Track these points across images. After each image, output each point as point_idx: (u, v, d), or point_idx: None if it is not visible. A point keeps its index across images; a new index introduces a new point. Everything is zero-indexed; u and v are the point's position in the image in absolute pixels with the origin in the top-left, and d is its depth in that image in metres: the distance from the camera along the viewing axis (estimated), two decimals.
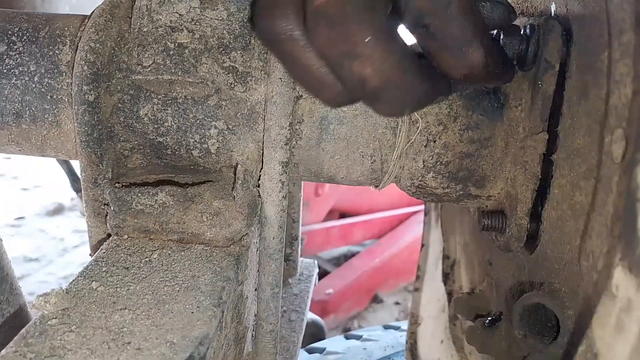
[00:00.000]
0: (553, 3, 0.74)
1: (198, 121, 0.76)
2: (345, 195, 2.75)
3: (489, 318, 0.84)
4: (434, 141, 0.74)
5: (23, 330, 0.54)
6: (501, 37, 0.70)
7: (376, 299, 2.80)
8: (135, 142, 0.78)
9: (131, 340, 0.53)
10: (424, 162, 0.75)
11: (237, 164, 0.77)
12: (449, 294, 1.15)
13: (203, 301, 0.61)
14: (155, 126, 0.76)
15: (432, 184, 0.77)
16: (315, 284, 1.23)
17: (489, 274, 0.93)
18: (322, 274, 2.61)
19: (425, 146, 0.74)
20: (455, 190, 0.78)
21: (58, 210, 4.03)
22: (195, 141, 0.77)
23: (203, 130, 0.76)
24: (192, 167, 0.80)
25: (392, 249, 2.72)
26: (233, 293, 0.68)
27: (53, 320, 0.55)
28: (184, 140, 0.77)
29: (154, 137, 0.77)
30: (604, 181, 0.54)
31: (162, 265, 0.68)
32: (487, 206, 0.79)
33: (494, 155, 0.74)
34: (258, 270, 0.81)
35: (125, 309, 0.58)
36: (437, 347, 1.13)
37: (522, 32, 0.69)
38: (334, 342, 1.55)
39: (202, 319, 0.58)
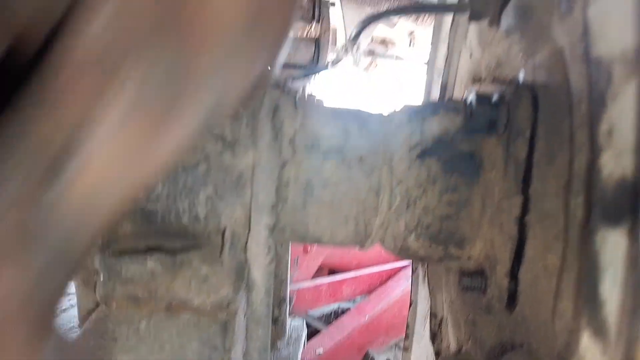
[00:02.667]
0: (521, 72, 0.79)
1: (187, 187, 0.78)
2: (333, 252, 2.75)
3: None
4: (415, 204, 0.77)
5: None
6: (474, 105, 0.75)
7: (367, 357, 2.74)
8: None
9: None
10: (405, 224, 0.78)
11: (225, 229, 0.79)
12: (437, 353, 1.15)
13: None
14: (146, 194, 0.78)
15: (415, 245, 0.80)
16: (304, 346, 1.22)
17: (474, 333, 0.94)
18: (313, 333, 2.57)
19: (407, 209, 0.77)
20: (437, 252, 0.80)
21: None
22: (185, 207, 0.79)
23: (192, 196, 0.78)
24: (181, 232, 0.82)
25: (381, 305, 2.70)
26: (219, 339, 0.68)
27: None
28: (174, 206, 0.79)
29: (145, 204, 0.79)
30: (570, 244, 0.57)
31: (150, 335, 0.69)
32: (468, 266, 0.82)
33: (472, 217, 0.77)
34: (245, 336, 0.82)
35: None
36: None
37: (493, 100, 0.74)
38: None
39: None
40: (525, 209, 0.71)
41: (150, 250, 0.77)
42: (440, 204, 0.77)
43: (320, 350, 2.39)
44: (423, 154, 0.77)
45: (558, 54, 0.66)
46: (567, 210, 0.60)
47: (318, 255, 2.64)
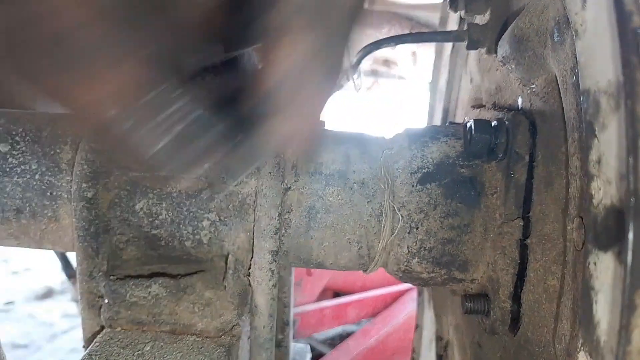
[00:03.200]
0: (520, 98, 0.81)
1: (191, 214, 0.79)
2: (337, 274, 2.74)
3: None
4: (417, 228, 0.78)
5: None
6: (473, 131, 0.76)
7: None
8: (131, 235, 0.81)
9: None
10: (408, 248, 0.79)
11: (228, 254, 0.80)
12: None
13: None
14: (150, 219, 0.80)
15: (418, 268, 0.80)
16: None
17: (479, 355, 0.94)
18: (317, 356, 2.54)
19: (409, 233, 0.78)
20: (440, 275, 0.81)
21: (48, 294, 3.96)
22: (189, 232, 0.80)
23: (196, 222, 0.79)
24: (184, 257, 0.83)
25: (387, 328, 2.67)
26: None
27: None
28: (177, 232, 0.80)
29: (149, 229, 0.80)
30: (568, 267, 0.58)
31: (154, 358, 0.69)
32: (471, 289, 0.82)
33: (474, 241, 0.78)
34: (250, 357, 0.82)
35: None
36: None
37: (492, 126, 0.75)
38: None
39: None
40: (526, 232, 0.72)
41: (154, 275, 0.78)
42: (442, 228, 0.78)
43: None
44: (424, 179, 0.78)
45: (553, 82, 0.67)
46: (565, 234, 0.60)
47: (322, 277, 2.63)
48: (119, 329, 0.76)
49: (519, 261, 0.72)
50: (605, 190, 0.45)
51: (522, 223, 0.72)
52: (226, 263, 0.79)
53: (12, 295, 3.89)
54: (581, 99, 0.50)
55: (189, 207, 0.79)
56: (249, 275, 0.79)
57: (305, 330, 2.62)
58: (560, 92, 0.64)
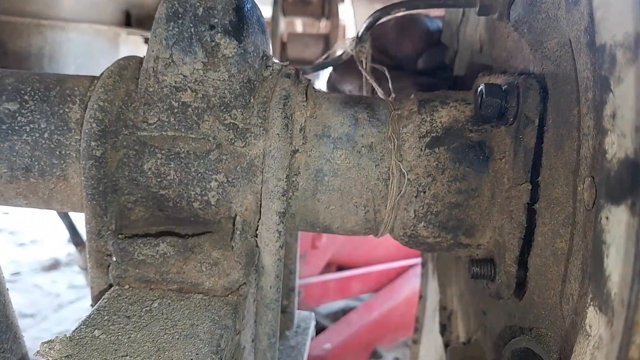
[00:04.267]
0: (531, 63, 0.80)
1: (199, 174, 0.79)
2: (342, 248, 2.75)
3: None
4: (424, 192, 0.78)
5: None
6: (484, 95, 0.75)
7: (375, 354, 2.74)
8: (139, 195, 0.81)
9: None
10: (415, 212, 0.79)
11: (235, 215, 0.80)
12: (446, 345, 1.16)
13: (202, 348, 0.63)
14: (158, 179, 0.80)
15: (424, 233, 0.80)
16: (312, 337, 1.23)
17: (483, 322, 0.95)
18: (320, 329, 2.57)
19: (416, 197, 0.78)
20: (446, 240, 0.81)
21: (54, 265, 4.01)
22: (197, 193, 0.80)
23: (204, 183, 0.80)
24: (192, 218, 0.83)
25: (390, 302, 2.69)
26: (231, 342, 0.69)
27: None
28: (185, 192, 0.80)
29: (157, 190, 0.80)
30: (578, 227, 0.58)
31: (162, 314, 0.70)
32: (477, 255, 0.82)
33: (482, 205, 0.77)
34: (255, 321, 0.83)
35: (127, 355, 0.60)
36: None
37: (503, 90, 0.74)
38: None
39: None
40: (534, 196, 0.72)
41: (162, 234, 0.78)
42: (449, 193, 0.77)
43: (328, 346, 2.39)
44: (432, 143, 0.78)
45: (565, 45, 0.67)
46: (575, 195, 0.60)
47: (326, 251, 2.64)
48: (127, 286, 0.77)
49: (526, 225, 0.72)
50: (619, 144, 0.45)
51: (530, 187, 0.71)
52: (234, 224, 0.80)
53: (19, 267, 3.94)
54: (597, 56, 0.50)
55: (197, 167, 0.79)
56: (256, 236, 0.80)
57: (308, 302, 2.65)
58: (573, 54, 0.63)
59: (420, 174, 0.78)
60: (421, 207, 0.78)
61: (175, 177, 0.80)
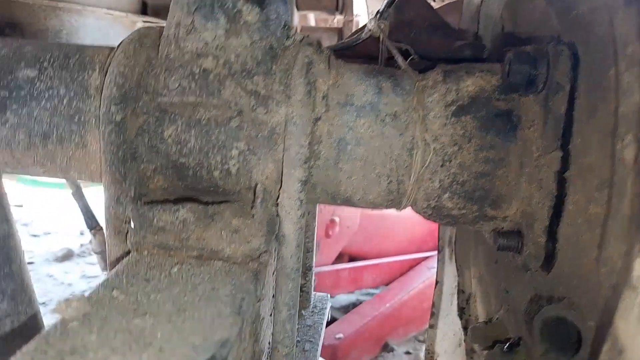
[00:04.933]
0: (559, 32, 0.77)
1: (220, 142, 0.78)
2: (355, 238, 2.73)
3: (508, 343, 0.83)
4: (450, 161, 0.76)
5: (44, 331, 0.54)
6: (512, 62, 0.73)
7: (387, 348, 2.72)
8: (158, 164, 0.80)
9: (152, 342, 0.53)
10: (440, 182, 0.77)
11: (256, 185, 0.79)
12: (465, 328, 1.14)
13: (223, 310, 0.61)
14: (179, 147, 0.79)
15: (449, 204, 0.78)
16: (328, 319, 1.21)
17: (506, 301, 0.92)
18: (331, 321, 2.56)
19: (441, 166, 0.76)
20: (471, 211, 0.79)
21: (67, 256, 4.03)
22: (217, 162, 0.79)
23: (225, 151, 0.78)
24: (211, 188, 0.82)
25: (402, 295, 2.67)
26: (252, 307, 0.68)
27: (74, 323, 0.56)
28: (206, 161, 0.79)
29: (177, 157, 0.79)
30: (617, 187, 0.56)
31: (181, 278, 0.69)
32: (502, 227, 0.80)
33: (509, 175, 0.75)
34: (274, 292, 0.81)
35: (147, 314, 0.59)
36: None
37: (532, 56, 0.72)
38: None
39: (223, 325, 0.58)
40: (565, 164, 0.70)
41: (182, 200, 0.77)
42: (476, 162, 0.75)
43: (340, 336, 2.37)
44: (459, 112, 0.76)
45: (597, 9, 0.65)
46: (613, 157, 0.58)
47: (340, 240, 2.63)
48: (145, 252, 0.76)
49: (556, 194, 0.70)
50: None
51: (561, 154, 0.69)
52: (254, 194, 0.78)
53: (32, 257, 3.97)
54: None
55: (218, 135, 0.78)
56: (277, 205, 0.78)
57: (320, 291, 2.62)
58: (609, 13, 0.61)
59: (445, 143, 0.76)
60: (447, 177, 0.76)
61: (196, 144, 0.79)
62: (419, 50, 1.27)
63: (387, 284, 2.85)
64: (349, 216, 2.48)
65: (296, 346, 1.01)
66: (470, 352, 1.07)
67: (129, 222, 0.77)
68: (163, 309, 0.61)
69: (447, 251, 1.37)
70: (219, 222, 0.76)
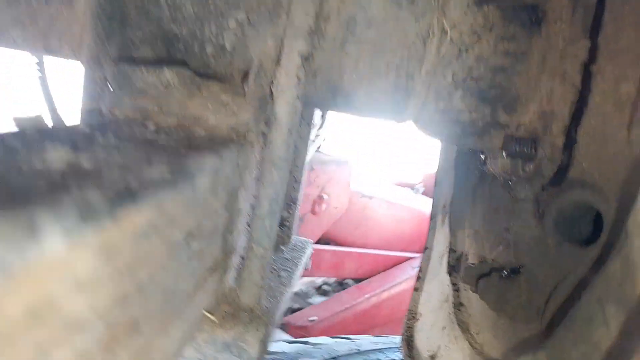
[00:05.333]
0: None
1: (218, 10, 0.71)
2: (341, 224, 2.63)
3: (510, 268, 0.76)
4: (467, 51, 0.70)
5: None
6: None
7: None
8: (147, 31, 0.73)
9: None
10: (453, 76, 0.70)
11: (252, 59, 0.71)
12: (454, 284, 1.06)
13: (203, 150, 0.53)
14: (173, 12, 0.72)
15: (460, 105, 0.72)
16: (308, 267, 1.12)
17: (506, 239, 0.85)
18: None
19: (457, 58, 0.70)
20: (483, 115, 0.72)
21: None
22: (211, 33, 0.72)
23: (221, 20, 0.71)
24: (202, 70, 0.74)
25: (383, 288, 2.57)
26: (230, 169, 0.60)
27: None
28: (200, 32, 0.72)
29: (169, 26, 0.72)
30: None
31: (159, 139, 0.61)
32: (517, 134, 0.73)
33: (529, 73, 0.69)
34: (257, 182, 0.73)
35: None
36: (438, 334, 1.01)
37: None
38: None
39: (196, 156, 0.50)
40: (592, 55, 0.64)
41: (168, 62, 0.70)
42: (495, 54, 0.69)
43: (314, 318, 2.27)
44: (482, 0, 0.70)
45: None
46: None
47: (325, 219, 2.52)
48: (122, 117, 0.68)
49: (580, 88, 0.64)
50: None
51: (589, 44, 0.63)
52: (249, 70, 0.71)
53: None
54: None
55: (217, 2, 0.71)
56: (271, 84, 0.71)
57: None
58: None
59: (464, 31, 0.70)
60: (461, 70, 0.70)
61: (192, 10, 0.71)
62: None
63: (368, 277, 2.75)
64: (338, 195, 2.39)
65: (271, 272, 0.92)
66: (458, 305, 0.99)
67: (108, 82, 0.70)
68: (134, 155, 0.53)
69: (439, 218, 1.31)
70: (206, 93, 0.69)
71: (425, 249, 1.30)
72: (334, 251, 2.64)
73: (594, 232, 0.58)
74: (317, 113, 1.60)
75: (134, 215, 0.34)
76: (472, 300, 0.97)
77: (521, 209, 0.82)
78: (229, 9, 0.71)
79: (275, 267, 0.94)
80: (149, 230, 0.37)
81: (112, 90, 0.69)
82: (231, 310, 0.75)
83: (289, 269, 0.94)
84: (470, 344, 0.85)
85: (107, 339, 0.34)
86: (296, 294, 2.64)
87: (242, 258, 0.77)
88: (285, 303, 0.84)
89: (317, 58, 0.72)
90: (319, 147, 2.57)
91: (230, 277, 0.74)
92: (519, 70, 0.69)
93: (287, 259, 0.99)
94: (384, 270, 2.76)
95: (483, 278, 0.75)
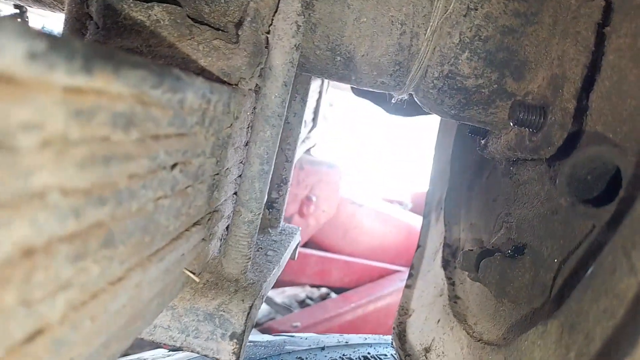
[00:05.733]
0: None
1: None
2: (329, 229, 2.55)
3: (513, 247, 0.71)
4: (476, 9, 0.66)
5: None
6: None
7: None
8: None
9: None
10: (460, 35, 0.67)
11: (248, 6, 0.67)
12: (449, 278, 1.00)
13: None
14: None
15: (466, 69, 0.68)
16: (294, 258, 1.06)
17: (506, 222, 0.81)
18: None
19: (465, 15, 0.66)
20: (489, 82, 0.68)
21: None
22: None
23: None
24: (194, 16, 0.70)
25: (369, 298, 2.48)
26: (221, 107, 0.55)
27: None
28: None
29: None
30: None
31: None
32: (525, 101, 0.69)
33: (540, 35, 0.66)
34: (248, 140, 0.68)
35: None
36: (432, 327, 0.95)
37: None
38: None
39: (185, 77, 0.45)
40: (606, 16, 0.60)
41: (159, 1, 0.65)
42: (504, 14, 0.66)
43: (297, 324, 2.17)
44: None
45: None
46: None
47: (313, 222, 2.44)
48: None
49: (593, 49, 0.60)
50: None
51: (603, 3, 0.60)
52: (244, 13, 0.66)
53: None
54: None
55: None
56: (268, 32, 0.66)
57: (283, 275, 2.43)
58: None
59: None
60: (469, 30, 0.66)
61: None
62: None
63: (354, 287, 2.66)
64: (327, 198, 2.32)
65: (258, 251, 0.86)
66: (453, 298, 0.93)
67: (92, 19, 0.65)
68: None
69: (433, 216, 1.26)
70: (198, 37, 0.64)
71: (418, 247, 1.25)
72: (319, 257, 2.56)
73: (608, 194, 0.53)
74: (309, 110, 1.56)
75: (112, 81, 0.29)
76: (469, 292, 0.92)
77: (524, 192, 0.77)
78: None
79: (262, 247, 0.88)
80: (130, 115, 0.32)
81: (97, 27, 0.64)
82: (214, 280, 0.69)
83: (276, 250, 0.88)
84: (468, 333, 0.80)
85: (74, 231, 0.29)
86: (278, 306, 2.55)
87: (227, 228, 0.71)
88: (272, 280, 0.78)
89: (317, 10, 0.68)
90: (309, 150, 2.52)
91: (214, 246, 0.68)
92: (528, 33, 0.65)
93: (275, 241, 0.93)
94: (371, 281, 2.69)
95: (485, 259, 0.69)
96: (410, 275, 1.19)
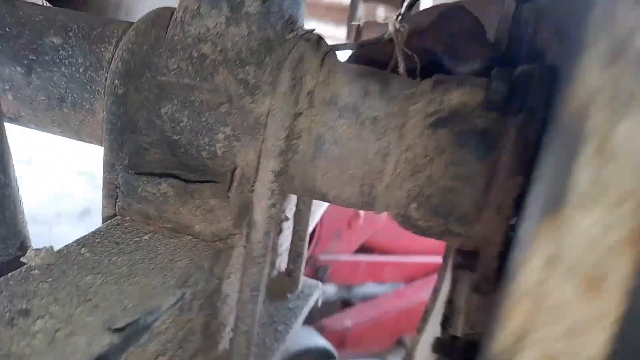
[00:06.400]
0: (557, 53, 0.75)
1: (209, 125, 0.83)
2: (381, 233, 2.73)
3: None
4: (420, 172, 0.77)
5: (8, 274, 0.62)
6: (493, 79, 0.73)
7: (401, 342, 2.72)
8: (155, 137, 0.86)
9: (92, 299, 0.60)
10: (408, 191, 0.78)
11: (235, 168, 0.83)
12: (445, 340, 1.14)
13: (169, 280, 0.67)
14: (172, 124, 0.85)
15: (415, 215, 0.80)
16: (317, 305, 1.25)
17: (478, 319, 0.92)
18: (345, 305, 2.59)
19: (411, 176, 0.77)
20: (437, 225, 0.80)
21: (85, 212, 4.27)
22: (205, 143, 0.84)
23: (212, 134, 0.83)
24: (201, 167, 0.87)
25: (422, 294, 2.64)
26: (204, 282, 0.73)
27: (36, 271, 0.63)
28: (195, 140, 0.84)
29: (170, 134, 0.85)
30: None
31: (149, 246, 0.75)
32: (467, 246, 0.80)
33: (475, 195, 0.75)
34: (242, 272, 0.86)
35: (100, 273, 0.66)
36: None
37: (512, 77, 0.71)
38: None
39: (160, 294, 0.63)
40: (524, 191, 0.69)
41: (166, 175, 0.83)
42: (444, 177, 0.76)
43: (348, 323, 2.41)
44: (436, 124, 0.77)
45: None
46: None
47: (363, 232, 2.63)
48: (127, 218, 0.83)
49: (511, 222, 0.70)
50: None
51: (522, 180, 0.69)
52: (232, 177, 0.83)
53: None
54: None
55: (208, 118, 0.83)
56: (252, 192, 0.83)
57: (336, 279, 2.66)
58: None
59: (418, 153, 0.77)
60: (414, 187, 0.78)
61: (187, 124, 0.84)
62: (451, 58, 1.25)
63: (408, 282, 2.83)
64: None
65: (270, 326, 1.06)
66: None
67: (120, 188, 0.85)
68: (117, 271, 0.67)
69: (449, 262, 1.37)
70: (197, 199, 0.82)
71: (434, 290, 1.38)
72: (370, 261, 2.73)
73: None
74: None
75: None
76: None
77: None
78: (217, 125, 0.83)
79: (275, 320, 1.08)
80: None
81: (123, 195, 0.84)
82: None
83: (287, 322, 1.08)
84: None
85: None
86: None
87: (232, 331, 0.91)
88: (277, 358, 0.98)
89: (292, 168, 0.83)
90: None
91: (224, 344, 0.89)
92: (465, 193, 0.75)
93: (289, 309, 1.12)
94: (424, 276, 2.83)
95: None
96: (422, 319, 1.33)
